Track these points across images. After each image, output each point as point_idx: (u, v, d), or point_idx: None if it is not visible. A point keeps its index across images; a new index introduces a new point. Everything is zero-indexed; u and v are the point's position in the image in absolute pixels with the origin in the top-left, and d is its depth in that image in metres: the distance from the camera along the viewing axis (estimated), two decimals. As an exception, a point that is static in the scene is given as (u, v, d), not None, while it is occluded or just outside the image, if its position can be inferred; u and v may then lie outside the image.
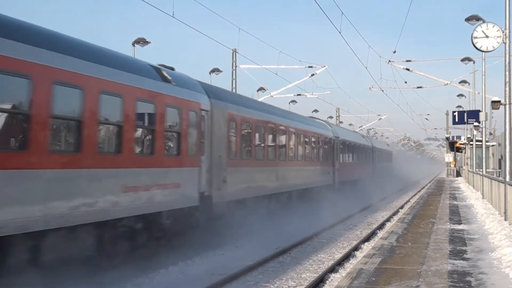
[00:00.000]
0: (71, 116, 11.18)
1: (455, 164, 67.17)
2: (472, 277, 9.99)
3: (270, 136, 23.12)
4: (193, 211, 15.84)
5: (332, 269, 14.68)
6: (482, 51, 18.54)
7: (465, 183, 46.42)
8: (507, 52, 17.22)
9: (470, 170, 42.09)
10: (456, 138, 58.24)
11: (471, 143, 39.56)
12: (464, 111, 38.86)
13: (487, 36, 17.39)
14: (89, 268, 11.95)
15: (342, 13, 29.23)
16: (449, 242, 14.03)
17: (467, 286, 9.29)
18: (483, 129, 30.06)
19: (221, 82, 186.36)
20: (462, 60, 37.21)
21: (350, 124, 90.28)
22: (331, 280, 13.68)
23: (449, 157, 65.88)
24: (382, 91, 47.30)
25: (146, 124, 14.00)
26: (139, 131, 13.68)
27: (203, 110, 16.55)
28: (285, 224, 22.06)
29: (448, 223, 18.18)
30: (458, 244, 13.71)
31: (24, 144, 9.93)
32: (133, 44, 29.63)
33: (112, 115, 12.51)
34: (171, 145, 14.96)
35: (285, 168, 24.88)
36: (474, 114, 35.13)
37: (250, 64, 46.12)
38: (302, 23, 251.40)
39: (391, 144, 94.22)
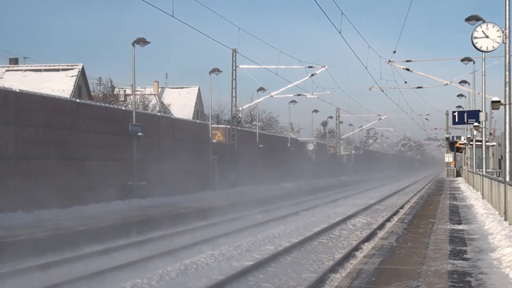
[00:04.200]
0: None
1: (455, 164, 67.15)
2: (472, 277, 9.99)
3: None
4: None
5: (332, 269, 14.69)
6: (482, 51, 18.51)
7: (465, 183, 46.40)
8: (507, 52, 17.20)
9: (470, 170, 42.07)
10: (456, 138, 58.20)
11: (471, 143, 39.53)
12: (464, 111, 38.82)
13: (487, 36, 17.38)
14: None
15: (342, 13, 29.28)
16: (449, 242, 14.03)
17: (467, 286, 9.28)
18: (483, 129, 30.02)
19: (221, 82, 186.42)
20: (462, 60, 37.17)
21: (350, 124, 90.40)
22: (331, 280, 13.69)
23: (449, 157, 65.85)
24: (382, 91, 47.36)
25: None
26: None
27: None
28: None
29: (448, 223, 18.17)
30: (458, 244, 13.70)
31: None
32: (133, 44, 29.63)
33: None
34: None
35: None
36: (474, 114, 35.08)
37: (250, 64, 46.17)
38: (302, 23, 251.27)
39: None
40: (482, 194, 28.47)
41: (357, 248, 18.45)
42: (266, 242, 19.63)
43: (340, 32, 29.78)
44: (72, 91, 47.41)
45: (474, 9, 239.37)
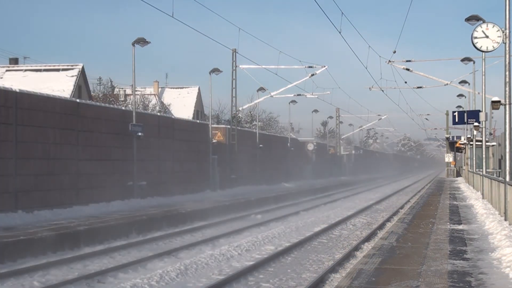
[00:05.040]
0: None
1: (455, 164, 67.15)
2: (472, 277, 9.99)
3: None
4: None
5: (332, 269, 14.69)
6: (482, 51, 18.50)
7: (465, 183, 46.39)
8: (507, 52, 17.19)
9: (470, 170, 42.06)
10: (456, 138, 58.20)
11: (471, 143, 39.52)
12: (464, 111, 38.80)
13: (487, 36, 17.37)
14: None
15: (342, 13, 29.29)
16: (449, 242, 14.02)
17: (467, 286, 9.28)
18: (483, 129, 30.00)
19: (221, 82, 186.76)
20: (462, 60, 37.15)
21: (350, 124, 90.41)
22: (331, 280, 13.69)
23: (449, 157, 65.86)
24: (382, 91, 47.37)
25: None
26: None
27: None
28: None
29: (448, 223, 18.17)
30: (458, 244, 13.70)
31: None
32: (133, 44, 29.62)
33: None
34: None
35: None
36: (474, 114, 35.06)
37: (250, 64, 46.17)
38: (302, 23, 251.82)
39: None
40: (482, 194, 28.46)
41: (357, 248, 18.45)
42: (266, 242, 19.63)
43: (340, 32, 29.79)
44: (72, 91, 47.40)
45: (474, 9, 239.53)
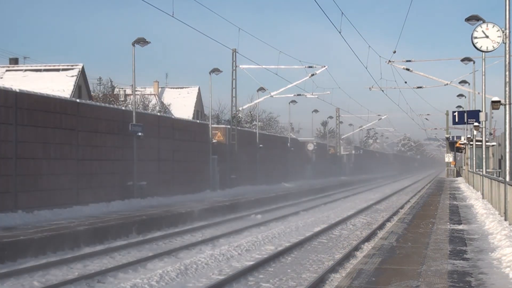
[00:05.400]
0: None
1: (455, 164, 67.14)
2: (472, 277, 9.99)
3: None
4: None
5: (332, 269, 14.69)
6: (482, 51, 18.50)
7: (465, 183, 46.39)
8: (507, 52, 17.19)
9: (470, 170, 42.05)
10: (456, 138, 58.19)
11: (471, 143, 39.52)
12: (464, 111, 38.79)
13: (487, 36, 17.37)
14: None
15: (342, 13, 29.30)
16: (449, 242, 14.02)
17: (467, 286, 9.28)
18: (483, 129, 30.00)
19: (221, 82, 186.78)
20: (462, 60, 37.15)
21: (350, 124, 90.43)
22: (331, 280, 13.69)
23: (449, 157, 65.86)
24: (382, 91, 47.40)
25: None
26: None
27: None
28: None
29: (448, 223, 18.17)
30: (458, 244, 13.70)
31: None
32: (133, 44, 29.62)
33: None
34: None
35: None
36: (474, 114, 35.06)
37: (250, 64, 46.19)
38: (302, 23, 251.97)
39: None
40: (482, 194, 28.46)
41: (357, 248, 18.45)
42: (266, 242, 19.63)
43: (340, 32, 29.81)
44: (72, 91, 47.39)
45: (474, 9, 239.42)
